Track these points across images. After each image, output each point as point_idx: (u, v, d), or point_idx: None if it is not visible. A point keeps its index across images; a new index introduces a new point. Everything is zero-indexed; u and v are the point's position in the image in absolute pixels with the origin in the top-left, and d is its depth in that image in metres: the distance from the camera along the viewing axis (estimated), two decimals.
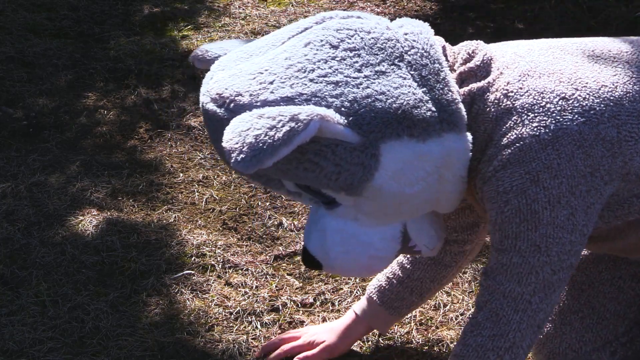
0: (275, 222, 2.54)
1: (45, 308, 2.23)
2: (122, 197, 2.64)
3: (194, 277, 2.33)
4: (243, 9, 3.90)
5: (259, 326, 2.18)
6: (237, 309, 2.22)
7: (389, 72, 1.58)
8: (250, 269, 2.36)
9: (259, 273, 2.35)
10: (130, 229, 2.50)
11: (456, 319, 2.19)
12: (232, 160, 1.47)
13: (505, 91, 1.60)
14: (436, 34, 1.69)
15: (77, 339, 2.14)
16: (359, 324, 2.07)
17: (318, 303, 2.25)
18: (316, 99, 1.54)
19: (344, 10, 3.81)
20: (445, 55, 1.68)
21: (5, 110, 3.08)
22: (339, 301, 2.25)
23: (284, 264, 2.39)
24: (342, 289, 2.29)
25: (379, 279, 2.05)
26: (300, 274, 2.34)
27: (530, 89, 1.59)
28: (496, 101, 1.61)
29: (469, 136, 1.60)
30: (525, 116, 1.57)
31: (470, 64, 1.67)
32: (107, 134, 2.97)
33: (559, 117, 1.56)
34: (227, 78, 1.61)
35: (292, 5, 3.92)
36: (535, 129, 1.56)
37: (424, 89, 1.58)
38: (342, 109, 1.54)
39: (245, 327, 2.18)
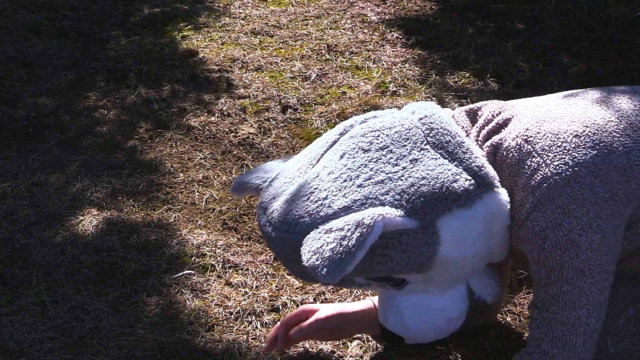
0: None
1: (45, 308, 2.23)
2: (122, 197, 2.64)
3: (194, 277, 2.33)
4: (243, 9, 3.90)
5: (259, 326, 2.18)
6: (237, 309, 2.22)
7: (421, 158, 1.80)
8: (250, 269, 2.36)
9: (259, 273, 2.35)
10: (130, 229, 2.50)
11: None
12: (319, 276, 1.66)
13: (525, 137, 1.80)
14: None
15: (77, 339, 2.14)
16: (368, 315, 2.03)
17: (318, 303, 2.24)
18: (370, 200, 1.75)
19: (344, 10, 3.82)
20: (458, 122, 1.88)
21: (5, 110, 3.08)
22: (339, 301, 2.25)
23: None
24: (342, 289, 2.28)
25: None
26: None
27: (547, 132, 1.79)
28: (517, 146, 1.80)
29: (504, 190, 1.80)
30: (546, 156, 1.76)
31: (493, 123, 1.86)
32: (107, 134, 2.97)
33: (575, 154, 1.75)
34: (283, 206, 1.80)
35: (292, 5, 3.92)
36: (557, 167, 1.74)
37: (455, 162, 1.80)
38: (395, 202, 1.75)
39: (245, 327, 2.18)
